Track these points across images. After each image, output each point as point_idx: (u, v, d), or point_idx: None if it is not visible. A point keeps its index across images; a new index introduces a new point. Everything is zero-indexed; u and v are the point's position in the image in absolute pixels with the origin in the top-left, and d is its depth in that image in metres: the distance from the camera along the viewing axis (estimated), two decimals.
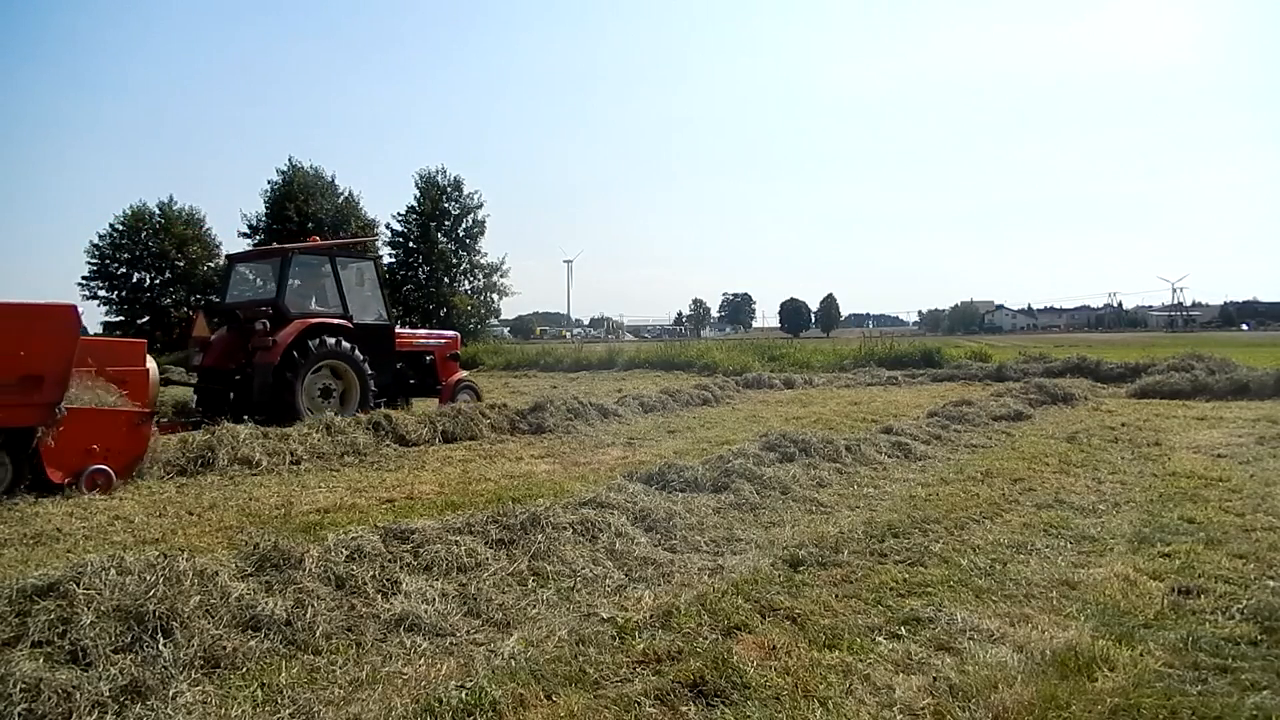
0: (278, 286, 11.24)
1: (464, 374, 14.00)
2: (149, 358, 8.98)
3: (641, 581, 4.48)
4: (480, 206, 45.75)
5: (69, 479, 6.97)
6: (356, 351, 11.22)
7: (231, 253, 12.67)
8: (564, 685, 3.21)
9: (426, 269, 43.55)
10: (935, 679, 3.22)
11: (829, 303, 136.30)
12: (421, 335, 13.84)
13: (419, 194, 44.67)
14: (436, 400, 12.69)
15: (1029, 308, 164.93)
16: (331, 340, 10.97)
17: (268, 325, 10.70)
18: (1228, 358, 17.78)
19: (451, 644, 3.63)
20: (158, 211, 41.97)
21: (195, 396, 11.67)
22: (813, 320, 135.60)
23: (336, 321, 11.34)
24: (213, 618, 3.53)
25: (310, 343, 10.73)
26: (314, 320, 11.09)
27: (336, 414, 10.35)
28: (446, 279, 43.35)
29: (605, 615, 3.93)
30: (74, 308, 7.09)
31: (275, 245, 12.66)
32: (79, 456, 7.05)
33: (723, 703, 3.05)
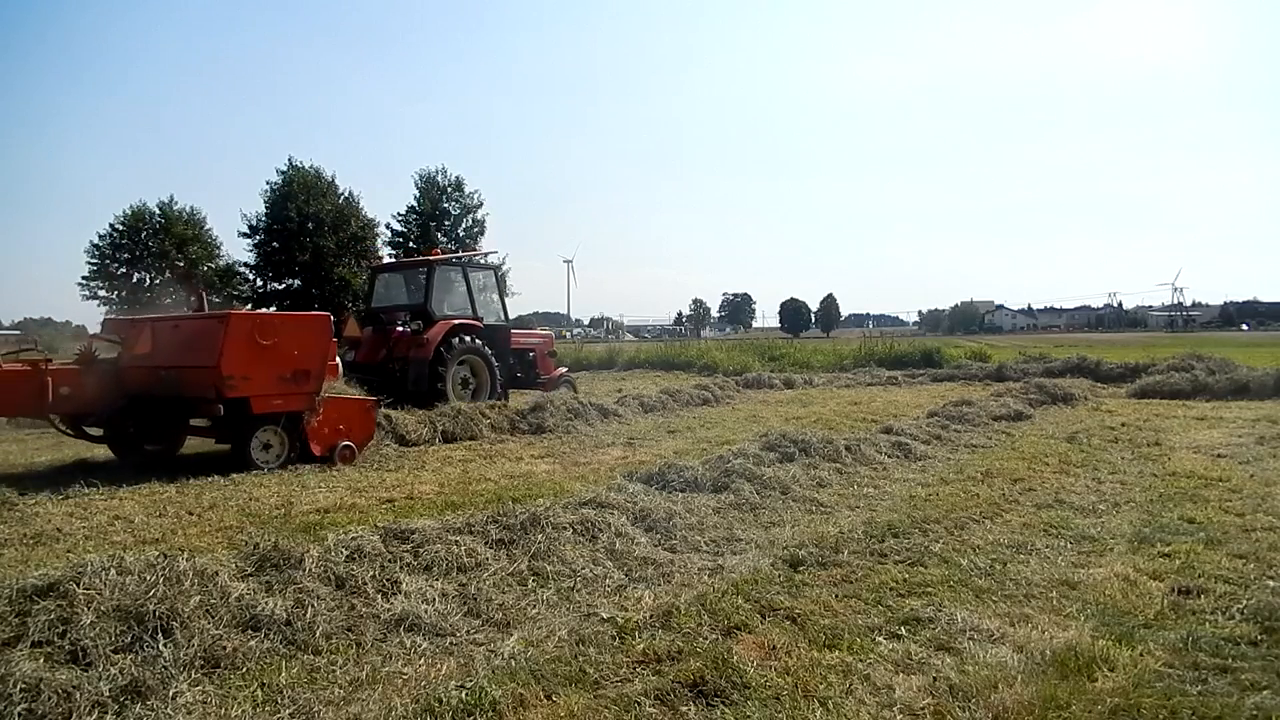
0: (426, 293, 12.76)
1: (562, 370, 15.48)
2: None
3: (641, 581, 4.48)
4: (480, 206, 45.73)
5: (325, 452, 8.59)
6: (487, 348, 12.84)
7: (375, 264, 14.34)
8: (564, 685, 3.21)
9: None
10: (935, 679, 3.22)
11: (829, 303, 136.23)
12: (524, 334, 15.05)
13: (419, 194, 44.64)
14: (532, 393, 13.77)
15: (1029, 308, 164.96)
16: (470, 339, 12.61)
17: (421, 325, 12.37)
18: (1228, 358, 17.77)
19: (451, 644, 3.63)
20: (158, 211, 41.98)
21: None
22: (813, 320, 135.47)
23: (472, 322, 12.96)
24: (213, 618, 3.53)
25: (454, 340, 12.33)
26: (456, 321, 12.65)
27: (470, 403, 11.87)
28: None
29: (605, 615, 3.93)
30: (329, 316, 9.03)
31: (417, 257, 14.37)
32: (332, 435, 8.71)
33: (723, 703, 3.05)
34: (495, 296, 14.18)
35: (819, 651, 3.50)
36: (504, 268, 45.48)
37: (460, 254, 14.19)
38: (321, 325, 8.74)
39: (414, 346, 12.23)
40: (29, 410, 8.48)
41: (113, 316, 9.84)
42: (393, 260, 14.65)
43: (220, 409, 7.98)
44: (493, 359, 12.91)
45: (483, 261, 14.35)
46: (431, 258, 13.70)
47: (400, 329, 12.68)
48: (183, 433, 9.33)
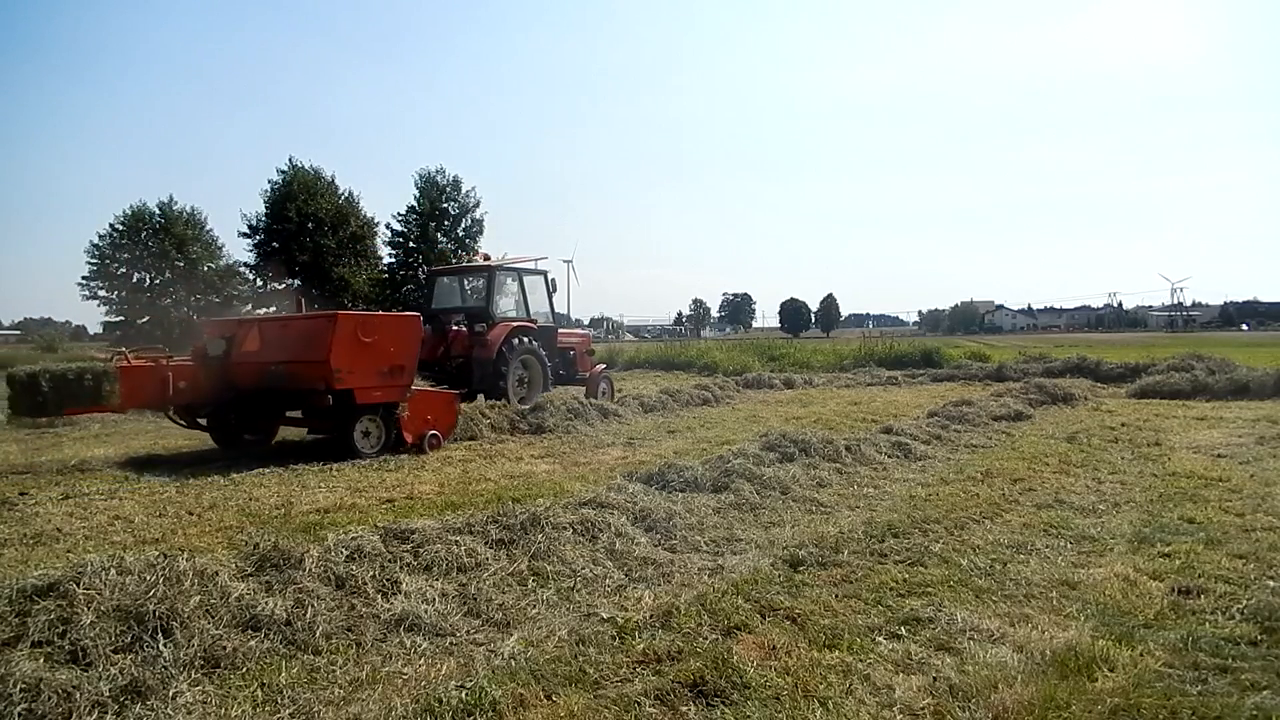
0: (486, 296, 13.77)
1: (601, 366, 16.49)
2: None
3: (641, 581, 4.48)
4: (478, 205, 45.68)
5: (415, 440, 9.40)
6: (540, 348, 13.77)
7: (434, 267, 15.47)
8: (564, 685, 3.21)
9: (426, 269, 43.51)
10: (935, 679, 3.22)
11: (829, 303, 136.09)
12: (565, 333, 15.93)
13: (418, 194, 44.60)
14: (574, 388, 15.01)
15: (1029, 308, 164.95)
16: (527, 340, 13.54)
17: (486, 326, 13.36)
18: (1228, 358, 17.77)
19: (451, 644, 3.63)
20: (158, 211, 41.95)
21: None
22: (813, 320, 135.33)
23: (527, 324, 13.89)
24: (213, 618, 3.53)
25: (514, 341, 13.26)
26: (515, 324, 13.58)
27: (523, 399, 12.95)
28: None
29: (605, 615, 3.93)
30: (419, 317, 9.97)
31: (475, 263, 15.54)
32: (421, 424, 9.53)
33: (723, 703, 3.05)
34: (544, 299, 14.94)
35: (819, 651, 3.50)
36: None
37: (516, 260, 15.20)
38: (413, 325, 9.67)
39: (478, 346, 13.15)
40: (153, 402, 9.34)
41: (217, 317, 11.18)
42: (452, 265, 15.49)
43: (329, 399, 8.80)
44: (545, 358, 13.84)
45: (533, 267, 15.22)
46: (490, 264, 14.57)
47: (455, 328, 13.65)
48: (277, 423, 10.28)
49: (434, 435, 9.57)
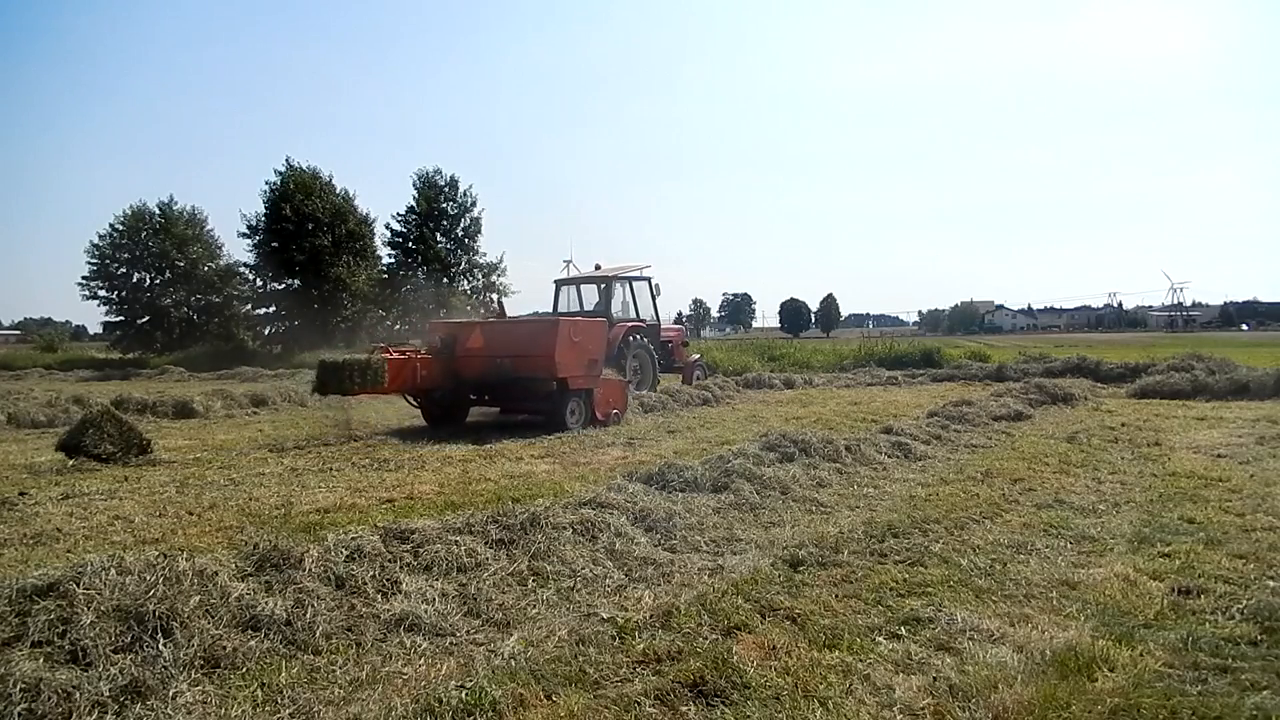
0: (605, 302, 16.20)
1: (696, 356, 18.95)
2: None
3: (641, 581, 4.48)
4: (475, 204, 45.62)
5: (604, 418, 11.70)
6: (650, 344, 16.09)
7: (558, 279, 18.03)
8: (564, 685, 3.21)
9: (425, 269, 43.46)
10: (935, 679, 3.22)
11: (829, 303, 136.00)
12: (664, 328, 18.06)
13: (416, 194, 44.53)
14: (678, 376, 17.56)
15: (1029, 308, 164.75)
16: (639, 337, 15.83)
17: (607, 327, 14.59)
18: (1228, 358, 17.76)
19: (451, 644, 3.63)
20: (158, 211, 41.90)
21: None
22: (813, 320, 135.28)
23: (638, 323, 16.24)
24: (213, 618, 3.53)
25: (630, 339, 15.46)
26: (629, 324, 15.90)
27: (637, 386, 15.00)
28: (445, 279, 43.25)
29: (605, 615, 3.93)
30: (605, 321, 12.94)
31: (594, 273, 17.70)
32: (606, 406, 11.90)
33: (723, 703, 3.05)
34: (649, 301, 17.16)
35: (819, 651, 3.50)
36: (501, 266, 45.72)
37: (626, 269, 17.31)
38: (603, 329, 12.37)
39: None
40: (406, 386, 11.33)
41: (438, 320, 14.70)
42: (573, 277, 18.48)
43: (554, 385, 10.99)
44: (653, 353, 16.09)
45: (639, 275, 17.35)
46: (607, 274, 16.94)
47: None
48: (468, 405, 12.36)
49: (615, 413, 11.95)
